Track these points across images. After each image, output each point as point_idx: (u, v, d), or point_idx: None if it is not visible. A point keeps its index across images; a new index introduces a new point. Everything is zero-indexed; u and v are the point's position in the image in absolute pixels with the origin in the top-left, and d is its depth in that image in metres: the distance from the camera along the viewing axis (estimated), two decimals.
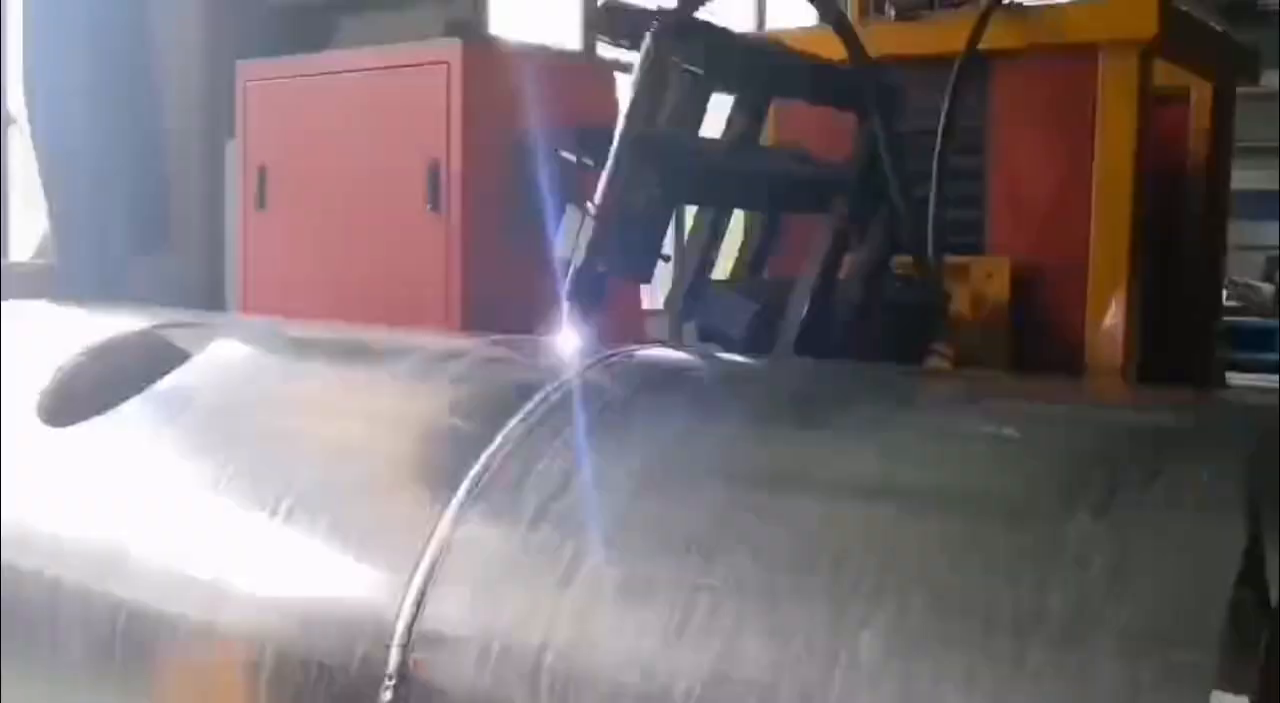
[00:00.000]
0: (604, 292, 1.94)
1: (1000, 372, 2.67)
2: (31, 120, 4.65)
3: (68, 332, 2.63)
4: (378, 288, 3.26)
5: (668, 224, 2.04)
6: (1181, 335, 3.24)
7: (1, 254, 4.88)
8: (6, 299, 4.43)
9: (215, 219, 4.58)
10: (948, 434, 1.43)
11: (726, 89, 2.36)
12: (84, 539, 2.01)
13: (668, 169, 1.95)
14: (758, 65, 2.31)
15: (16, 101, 4.75)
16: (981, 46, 2.79)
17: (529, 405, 1.67)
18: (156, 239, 4.75)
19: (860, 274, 2.45)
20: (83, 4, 4.56)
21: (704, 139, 2.38)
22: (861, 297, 2.45)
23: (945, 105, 2.74)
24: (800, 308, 2.30)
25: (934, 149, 2.75)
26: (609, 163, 1.93)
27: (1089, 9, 2.82)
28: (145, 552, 1.92)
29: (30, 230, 5.07)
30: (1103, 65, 2.76)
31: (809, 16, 2.51)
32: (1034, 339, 2.86)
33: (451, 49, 3.11)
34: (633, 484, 1.48)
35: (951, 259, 2.77)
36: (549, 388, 1.69)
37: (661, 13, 1.99)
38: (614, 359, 1.81)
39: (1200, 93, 3.28)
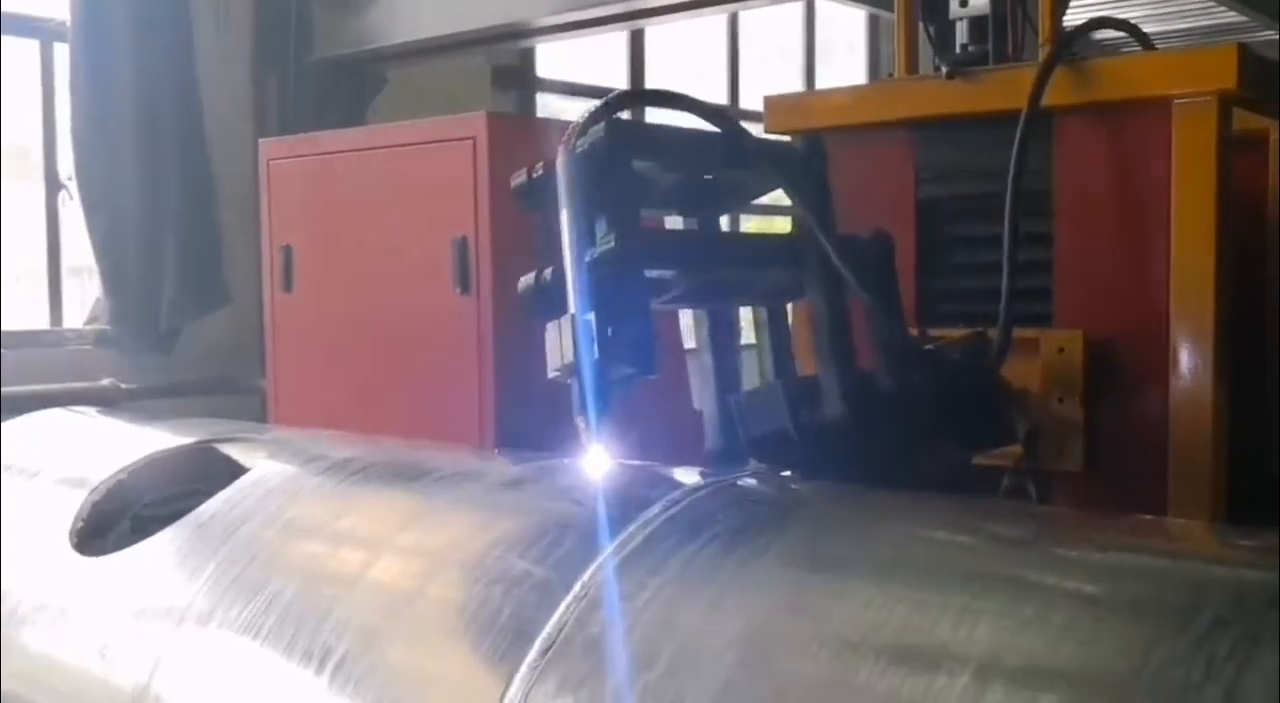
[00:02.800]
0: (611, 395, 1.78)
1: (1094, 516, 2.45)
2: (81, 184, 4.61)
3: (104, 445, 2.52)
4: (408, 373, 3.11)
5: (649, 300, 1.96)
6: (1270, 411, 3.01)
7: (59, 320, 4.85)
8: (64, 366, 4.39)
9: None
10: (1123, 602, 1.21)
11: (640, 157, 2.25)
12: (111, 685, 1.86)
13: (621, 235, 1.87)
14: (661, 141, 2.21)
15: (66, 165, 4.72)
16: (1044, 103, 2.58)
17: (609, 549, 1.48)
18: (208, 301, 4.70)
19: (883, 354, 2.29)
20: (129, 65, 4.50)
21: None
22: (896, 372, 2.27)
23: (1013, 165, 2.54)
24: (829, 373, 2.13)
25: (1002, 213, 2.54)
26: (569, 275, 1.86)
27: (1161, 60, 2.62)
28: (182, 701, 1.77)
29: (81, 296, 5.04)
30: (1178, 119, 2.54)
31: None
32: (1111, 416, 2.64)
33: (477, 122, 2.98)
34: (735, 656, 1.28)
35: (1020, 333, 2.56)
36: (633, 527, 1.50)
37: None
38: (706, 491, 1.61)
39: (1278, 135, 3.05)
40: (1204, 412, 2.55)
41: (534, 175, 2.01)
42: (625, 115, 2.20)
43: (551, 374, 1.82)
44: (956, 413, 2.48)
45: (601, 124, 1.96)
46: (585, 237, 1.88)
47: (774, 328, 2.43)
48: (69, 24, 4.53)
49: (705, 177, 2.32)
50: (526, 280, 1.96)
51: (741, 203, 2.69)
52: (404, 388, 3.07)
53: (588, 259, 1.85)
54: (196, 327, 4.71)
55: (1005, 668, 1.12)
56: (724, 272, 2.32)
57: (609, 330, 1.78)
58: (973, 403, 2.49)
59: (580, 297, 1.83)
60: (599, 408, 1.77)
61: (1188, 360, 2.56)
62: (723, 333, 2.33)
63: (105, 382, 4.49)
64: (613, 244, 1.86)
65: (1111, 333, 2.63)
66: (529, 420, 2.93)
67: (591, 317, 1.78)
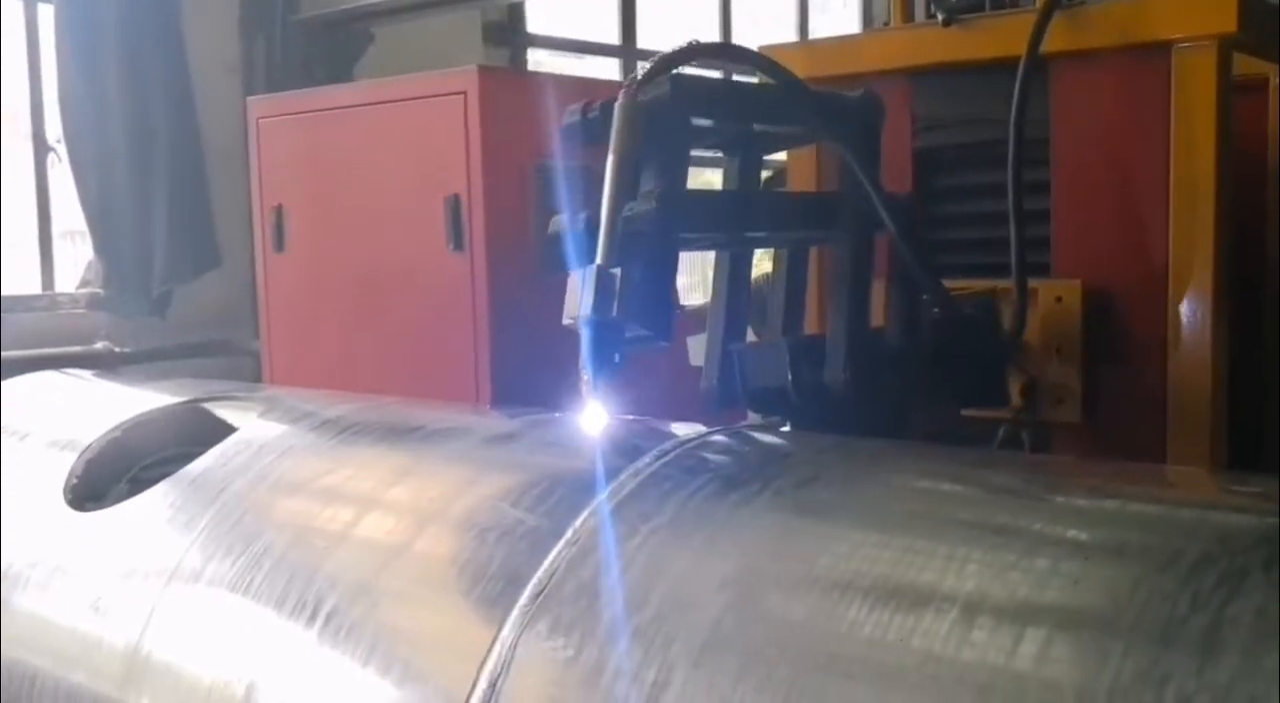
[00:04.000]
0: (619, 351, 1.76)
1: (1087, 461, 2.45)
2: (70, 146, 4.57)
3: (98, 405, 2.51)
4: (402, 332, 3.09)
5: (675, 265, 1.94)
6: (1269, 353, 2.99)
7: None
8: (57, 330, 4.38)
9: None
10: (1113, 542, 1.22)
11: (703, 116, 2.23)
12: (105, 642, 1.86)
13: (661, 203, 1.85)
14: (723, 95, 2.21)
15: (54, 129, 4.68)
16: (1041, 49, 2.55)
17: (601, 497, 1.48)
18: (201, 262, 4.67)
19: (893, 307, 2.28)
20: (115, 26, 4.45)
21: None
22: (901, 327, 2.27)
23: (1013, 115, 2.50)
24: (838, 337, 2.13)
25: (1004, 162, 2.51)
26: (604, 225, 1.81)
27: (1160, 4, 2.56)
28: (169, 659, 1.78)
29: (73, 260, 5.02)
30: (1177, 64, 2.51)
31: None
32: (1109, 368, 2.62)
33: (469, 76, 2.94)
34: (725, 597, 1.28)
35: (1012, 283, 2.54)
36: (624, 476, 1.51)
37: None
38: (695, 443, 1.61)
39: (1278, 80, 3.01)
40: (1203, 361, 2.53)
41: (589, 114, 1.97)
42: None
43: (566, 321, 1.79)
44: (969, 371, 2.48)
45: (666, 77, 1.94)
46: (627, 189, 1.86)
47: (792, 277, 2.42)
48: None
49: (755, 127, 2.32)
50: (557, 224, 1.93)
51: (784, 148, 2.72)
52: (399, 346, 3.05)
53: (625, 214, 1.83)
54: (189, 289, 4.68)
55: (992, 605, 1.12)
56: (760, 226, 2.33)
57: (632, 291, 1.76)
58: (985, 361, 2.49)
59: (609, 250, 1.80)
60: (605, 366, 1.75)
61: (1187, 309, 2.54)
62: (740, 277, 2.32)
63: (99, 345, 4.47)
64: (653, 206, 1.84)
65: (1110, 282, 2.60)
66: (525, 376, 2.91)
67: (618, 273, 1.75)
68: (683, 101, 1.96)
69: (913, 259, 2.28)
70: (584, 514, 1.44)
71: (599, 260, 1.78)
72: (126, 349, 4.48)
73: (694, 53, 2.10)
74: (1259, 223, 3.06)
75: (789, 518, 1.37)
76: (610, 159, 1.87)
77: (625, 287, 1.74)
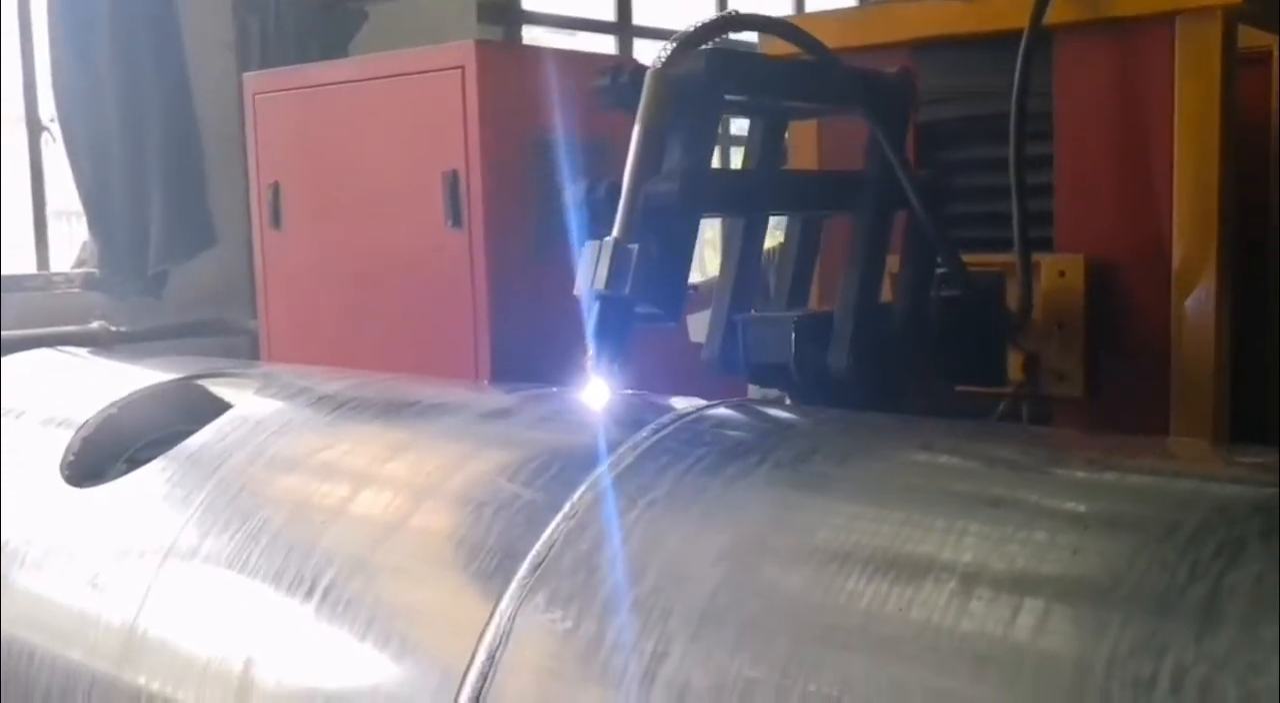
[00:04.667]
0: (629, 329, 1.74)
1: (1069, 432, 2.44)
2: (63, 126, 4.54)
3: (95, 382, 2.50)
4: (401, 309, 3.07)
5: (693, 246, 1.88)
6: (1273, 326, 2.97)
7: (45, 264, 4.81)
8: (52, 310, 4.37)
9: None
10: (1111, 512, 1.21)
11: (730, 92, 2.20)
12: (102, 618, 1.85)
13: (685, 183, 1.80)
14: (758, 73, 2.17)
15: (48, 108, 4.65)
16: (1045, 21, 2.52)
17: (599, 470, 1.47)
18: (196, 241, 4.65)
19: (905, 280, 2.26)
20: (107, 4, 4.42)
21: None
22: (911, 306, 2.25)
23: (1015, 88, 2.48)
24: (848, 308, 2.11)
25: (1008, 136, 2.49)
26: (624, 196, 1.78)
27: None
28: (167, 635, 1.77)
29: (68, 239, 5.00)
30: (1181, 34, 2.48)
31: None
32: (1112, 343, 2.60)
33: (466, 51, 2.91)
34: (723, 569, 1.28)
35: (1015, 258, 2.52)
36: (622, 449, 1.50)
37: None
38: (693, 416, 1.60)
39: None
40: (1207, 335, 2.52)
41: (619, 78, 1.93)
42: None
43: (577, 292, 1.78)
44: (972, 349, 2.47)
45: (701, 51, 1.89)
46: (651, 163, 1.82)
47: (802, 249, 2.40)
48: None
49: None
50: (578, 192, 1.91)
51: (809, 117, 2.69)
52: (397, 323, 3.03)
53: (647, 189, 1.80)
54: (185, 269, 4.66)
55: (990, 576, 1.11)
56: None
57: (647, 269, 1.74)
58: (988, 338, 2.48)
59: (627, 224, 1.78)
60: (611, 342, 1.74)
61: (1190, 283, 2.52)
62: (753, 247, 2.30)
63: (95, 325, 4.46)
64: (677, 185, 1.81)
65: (1113, 257, 2.59)
66: (524, 353, 2.89)
67: (634, 249, 1.73)
68: (717, 78, 1.91)
69: (938, 240, 2.28)
70: (581, 488, 1.44)
71: (615, 233, 1.76)
72: (122, 328, 4.46)
73: (731, 23, 2.05)
74: (1262, 196, 3.04)
75: (787, 491, 1.36)
76: (636, 130, 1.84)
77: (641, 264, 1.72)
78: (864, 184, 2.29)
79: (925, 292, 2.36)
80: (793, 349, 2.12)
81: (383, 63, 3.19)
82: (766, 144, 2.36)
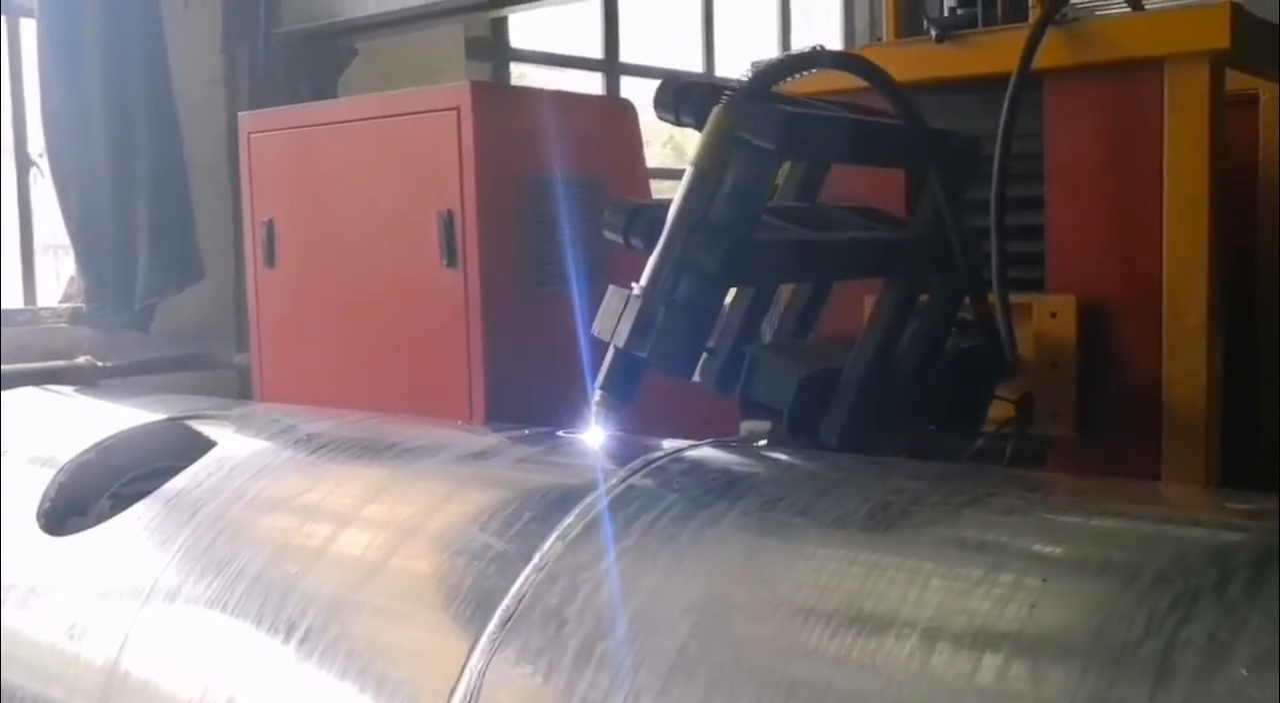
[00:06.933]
0: (639, 382, 1.74)
1: (1051, 477, 2.45)
2: (51, 160, 4.53)
3: (78, 423, 2.50)
4: (395, 348, 3.07)
5: (718, 313, 1.82)
6: (1265, 366, 3.01)
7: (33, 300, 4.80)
8: (39, 344, 4.34)
9: (242, 254, 4.46)
10: (1070, 565, 1.22)
11: (798, 159, 2.16)
12: (81, 662, 1.85)
13: (727, 255, 1.72)
14: (833, 135, 2.06)
15: (36, 142, 4.64)
16: (1034, 66, 2.56)
17: (568, 520, 1.49)
18: (184, 276, 4.64)
19: (921, 336, 2.24)
20: (98, 41, 4.43)
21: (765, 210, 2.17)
22: (921, 358, 2.23)
23: (1001, 130, 2.51)
24: (856, 377, 2.08)
25: (990, 179, 2.51)
26: (661, 246, 1.71)
27: (1153, 19, 2.58)
28: (146, 678, 1.77)
29: (55, 274, 4.98)
30: (1170, 79, 2.52)
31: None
32: (1104, 382, 2.63)
33: (461, 92, 2.92)
34: (691, 622, 1.28)
35: (1013, 298, 2.54)
36: (591, 497, 1.51)
37: (730, 87, 1.76)
38: (664, 461, 1.62)
39: (1269, 95, 3.04)
40: (1198, 376, 2.53)
41: (686, 96, 1.81)
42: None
43: (595, 332, 1.73)
44: (963, 398, 2.46)
45: (775, 111, 1.76)
46: (696, 213, 1.72)
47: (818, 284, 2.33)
48: (36, 1, 4.44)
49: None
50: (616, 219, 1.78)
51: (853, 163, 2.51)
52: (392, 362, 3.03)
53: (687, 249, 1.70)
54: (172, 303, 4.65)
55: (951, 630, 1.13)
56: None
57: (670, 335, 1.69)
58: (982, 386, 2.47)
59: (657, 276, 1.70)
60: (621, 393, 1.72)
61: (1180, 324, 2.55)
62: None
63: (82, 359, 4.43)
64: (719, 259, 1.70)
65: (1104, 298, 2.61)
66: (519, 392, 2.90)
67: (660, 314, 1.67)
68: (789, 145, 1.79)
69: (980, 298, 2.29)
70: (551, 539, 1.45)
71: (644, 282, 1.71)
72: (109, 363, 4.44)
73: (815, 61, 1.93)
74: (1252, 237, 3.08)
75: (754, 539, 1.37)
76: (688, 171, 1.74)
77: (663, 331, 1.68)
78: (908, 250, 2.21)
79: (939, 351, 2.31)
80: (790, 400, 2.06)
81: (378, 103, 3.21)
82: (808, 184, 2.30)
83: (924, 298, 2.28)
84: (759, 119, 1.72)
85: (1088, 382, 2.62)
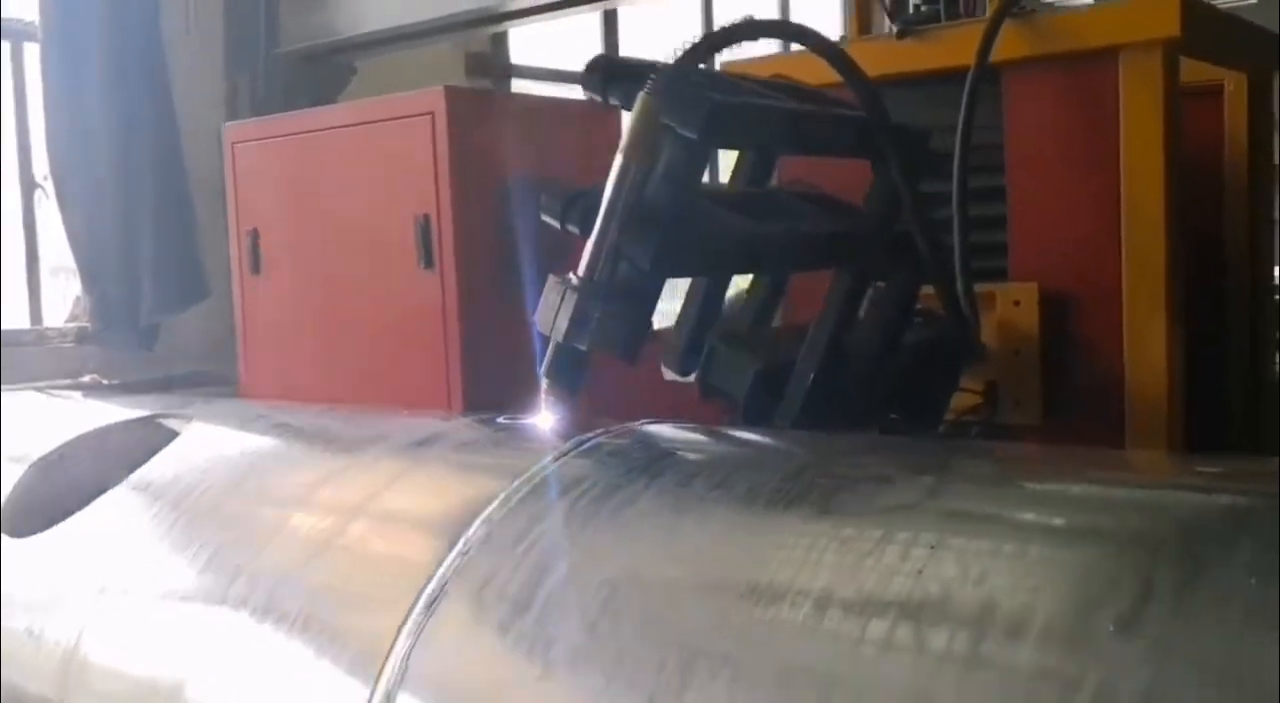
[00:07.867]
0: (586, 369, 1.76)
1: (1019, 445, 2.46)
2: (56, 182, 4.62)
3: (46, 425, 2.55)
4: (376, 350, 3.12)
5: (657, 299, 1.80)
6: (1232, 353, 3.01)
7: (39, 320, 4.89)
8: (47, 365, 4.42)
9: None
10: (961, 532, 1.24)
11: (725, 147, 2.16)
12: (41, 653, 1.91)
13: (661, 242, 1.69)
14: (763, 124, 2.01)
15: (41, 166, 4.74)
16: (993, 58, 2.59)
17: (492, 506, 1.53)
18: (189, 295, 4.71)
19: (879, 325, 2.25)
20: (101, 64, 4.52)
21: (705, 190, 2.15)
22: (879, 347, 2.25)
23: (961, 122, 2.54)
24: (809, 368, 2.10)
25: (950, 171, 2.54)
26: (594, 236, 1.68)
27: (1106, 10, 2.61)
28: (107, 661, 1.83)
29: (62, 296, 5.06)
30: (1124, 68, 2.55)
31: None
32: (1067, 370, 2.64)
33: (435, 97, 2.98)
34: (603, 597, 1.32)
35: (976, 287, 2.57)
36: (517, 481, 1.55)
37: (658, 68, 1.70)
38: (594, 442, 1.66)
39: (1234, 85, 3.06)
40: (1159, 361, 2.55)
41: (613, 70, 1.78)
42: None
43: (536, 325, 1.72)
44: (926, 388, 2.47)
45: (703, 99, 1.70)
46: (628, 201, 1.67)
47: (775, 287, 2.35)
48: (39, 25, 4.55)
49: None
50: (552, 205, 1.74)
51: (801, 153, 2.50)
52: (373, 363, 3.08)
53: (620, 241, 1.66)
54: (177, 322, 4.72)
55: (841, 598, 1.16)
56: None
57: (608, 326, 1.66)
58: (947, 376, 2.49)
59: (593, 267, 1.66)
60: (566, 381, 1.73)
61: (1140, 309, 2.56)
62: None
63: (87, 378, 4.51)
64: (651, 254, 1.67)
65: (1066, 285, 2.64)
66: (496, 389, 2.93)
67: (597, 310, 1.65)
68: (715, 133, 1.72)
69: (950, 300, 2.30)
70: (475, 524, 1.49)
71: (581, 272, 1.67)
72: (115, 382, 4.52)
73: (741, 33, 1.85)
74: (1218, 223, 3.09)
75: (669, 516, 1.40)
76: (617, 159, 1.67)
77: (602, 322, 1.65)
78: (855, 241, 2.19)
79: (897, 344, 2.31)
80: (745, 392, 2.08)
81: (355, 110, 3.27)
82: (756, 172, 2.28)
83: (881, 287, 2.32)
84: (683, 106, 1.68)
85: (1052, 370, 2.64)
